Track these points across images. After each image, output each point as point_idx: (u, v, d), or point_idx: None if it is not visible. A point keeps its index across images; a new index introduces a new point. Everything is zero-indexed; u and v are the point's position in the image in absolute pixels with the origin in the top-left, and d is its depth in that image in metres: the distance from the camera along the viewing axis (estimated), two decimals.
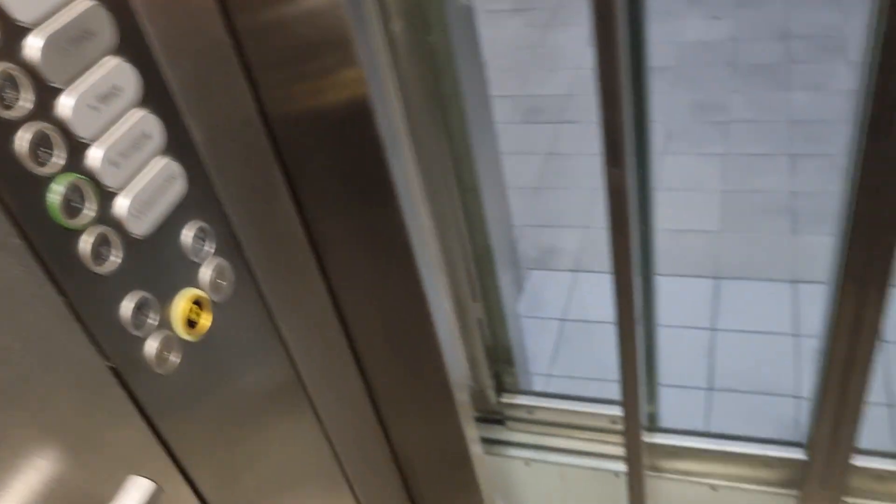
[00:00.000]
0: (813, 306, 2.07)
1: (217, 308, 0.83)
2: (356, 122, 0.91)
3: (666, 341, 2.08)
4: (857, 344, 1.32)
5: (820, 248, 2.22)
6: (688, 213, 2.46)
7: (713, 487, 1.70)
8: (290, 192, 0.99)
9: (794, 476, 1.56)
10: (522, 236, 2.53)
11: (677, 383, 1.97)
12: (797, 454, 1.53)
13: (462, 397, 1.40)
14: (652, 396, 1.70)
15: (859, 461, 1.51)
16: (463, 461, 1.50)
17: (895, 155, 1.03)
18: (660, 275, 2.29)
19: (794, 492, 1.57)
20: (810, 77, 2.90)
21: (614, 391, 1.99)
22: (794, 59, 3.01)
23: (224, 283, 0.84)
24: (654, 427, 1.72)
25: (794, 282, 2.15)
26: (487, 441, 1.92)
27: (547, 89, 3.19)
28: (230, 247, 0.87)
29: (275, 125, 0.93)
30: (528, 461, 1.89)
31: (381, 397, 1.36)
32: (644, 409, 1.49)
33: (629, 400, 1.45)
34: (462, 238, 1.59)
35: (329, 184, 0.99)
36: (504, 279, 1.75)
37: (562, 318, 2.22)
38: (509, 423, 1.91)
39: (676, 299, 2.18)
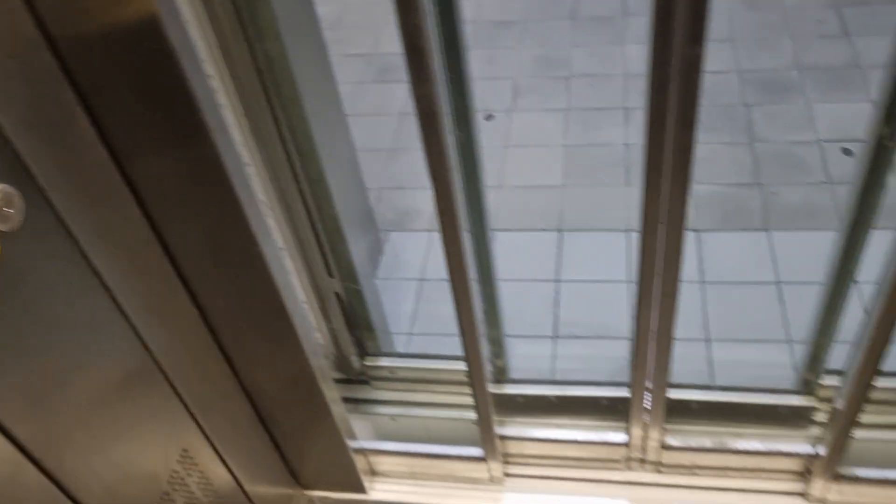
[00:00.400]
0: None
1: (7, 238, 0.79)
2: (149, 43, 0.87)
3: (516, 294, 2.25)
4: (662, 284, 1.47)
5: None
6: (534, 169, 2.61)
7: (558, 426, 1.88)
8: (91, 118, 0.95)
9: (622, 412, 1.77)
10: (381, 199, 2.62)
11: (527, 334, 2.15)
12: (622, 392, 1.73)
13: (318, 362, 1.50)
14: (499, 350, 1.86)
15: (675, 394, 1.73)
16: (324, 418, 1.62)
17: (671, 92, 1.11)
18: (509, 230, 2.46)
19: (622, 424, 1.78)
20: (642, 30, 3.08)
21: None
22: (628, 11, 3.19)
23: (11, 210, 0.80)
24: (503, 378, 1.89)
25: (628, 231, 2.35)
26: (355, 401, 2.03)
27: (399, 47, 3.24)
28: (17, 173, 0.82)
29: (61, 45, 0.88)
30: (394, 417, 2.02)
31: (231, 351, 1.43)
32: (485, 361, 1.62)
33: (471, 355, 1.58)
34: (309, 208, 1.64)
35: (134, 111, 0.95)
36: (357, 248, 1.84)
37: (420, 277, 2.35)
38: (374, 384, 2.03)
39: (525, 253, 2.35)
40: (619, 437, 1.79)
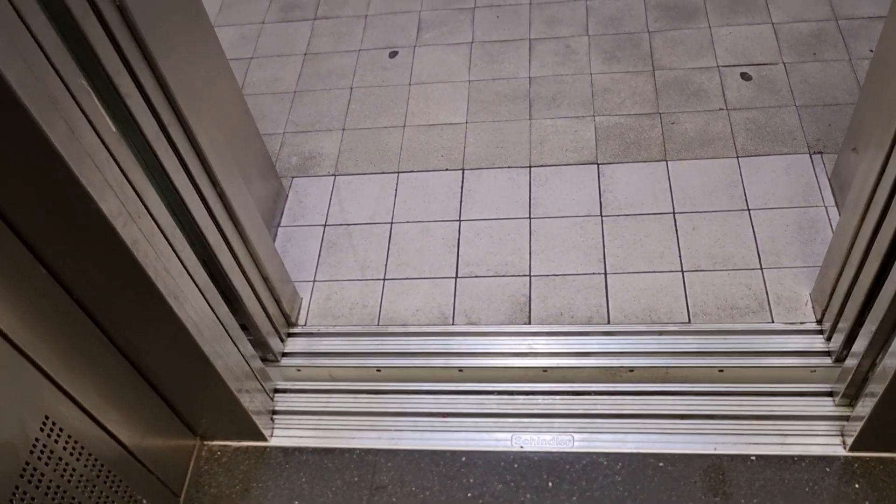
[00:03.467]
0: (542, 188, 2.28)
1: None
2: None
3: (419, 235, 2.25)
4: None
5: (549, 131, 2.42)
6: (438, 106, 2.57)
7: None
8: None
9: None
10: (284, 143, 2.56)
11: (428, 275, 2.15)
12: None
13: (191, 320, 1.49)
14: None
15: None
16: (210, 373, 1.62)
17: None
18: (413, 171, 2.43)
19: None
20: None
21: (371, 290, 2.15)
22: None
23: None
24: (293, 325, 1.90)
25: (532, 166, 2.34)
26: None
27: None
28: None
29: None
30: (299, 368, 2.03)
31: (96, 311, 1.43)
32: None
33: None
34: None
35: None
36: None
37: (324, 223, 2.32)
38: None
39: (431, 194, 2.33)
40: None
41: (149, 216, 1.42)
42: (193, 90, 1.57)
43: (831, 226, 2.07)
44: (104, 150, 1.27)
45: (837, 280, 1.79)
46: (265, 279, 1.94)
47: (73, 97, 1.19)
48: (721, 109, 2.38)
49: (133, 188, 1.36)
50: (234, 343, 1.76)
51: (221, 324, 1.70)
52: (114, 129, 1.32)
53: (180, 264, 1.54)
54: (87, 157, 1.21)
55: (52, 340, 1.32)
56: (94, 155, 1.23)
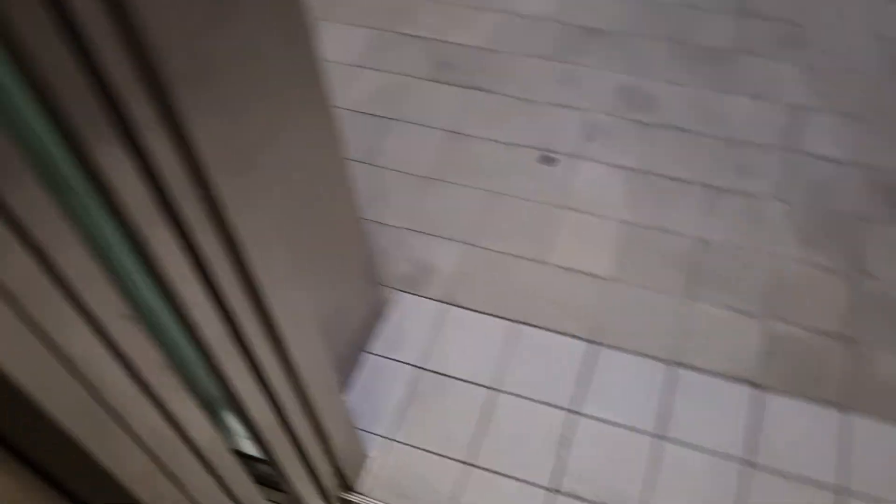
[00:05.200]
0: (681, 398, 1.87)
1: None
2: None
3: (523, 417, 1.89)
4: None
5: (703, 320, 1.99)
6: (582, 245, 2.17)
7: None
8: None
9: None
10: (400, 242, 2.22)
11: (518, 476, 1.79)
12: None
13: None
14: None
15: None
16: None
17: None
18: (531, 325, 2.05)
19: None
20: (760, 77, 2.52)
21: (447, 472, 1.80)
22: (745, 48, 2.61)
23: None
24: None
25: (674, 363, 1.93)
26: None
27: (465, 37, 2.76)
28: None
29: None
30: None
31: None
32: None
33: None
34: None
35: None
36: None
37: (419, 365, 1.99)
38: None
39: (549, 364, 1.95)
40: None
41: (182, 443, 1.12)
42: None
43: None
44: (142, 398, 0.97)
45: None
46: (324, 442, 1.62)
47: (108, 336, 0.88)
48: None
49: (172, 421, 1.06)
50: None
51: None
52: (158, 359, 1.01)
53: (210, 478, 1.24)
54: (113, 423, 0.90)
55: None
56: (128, 412, 0.93)
